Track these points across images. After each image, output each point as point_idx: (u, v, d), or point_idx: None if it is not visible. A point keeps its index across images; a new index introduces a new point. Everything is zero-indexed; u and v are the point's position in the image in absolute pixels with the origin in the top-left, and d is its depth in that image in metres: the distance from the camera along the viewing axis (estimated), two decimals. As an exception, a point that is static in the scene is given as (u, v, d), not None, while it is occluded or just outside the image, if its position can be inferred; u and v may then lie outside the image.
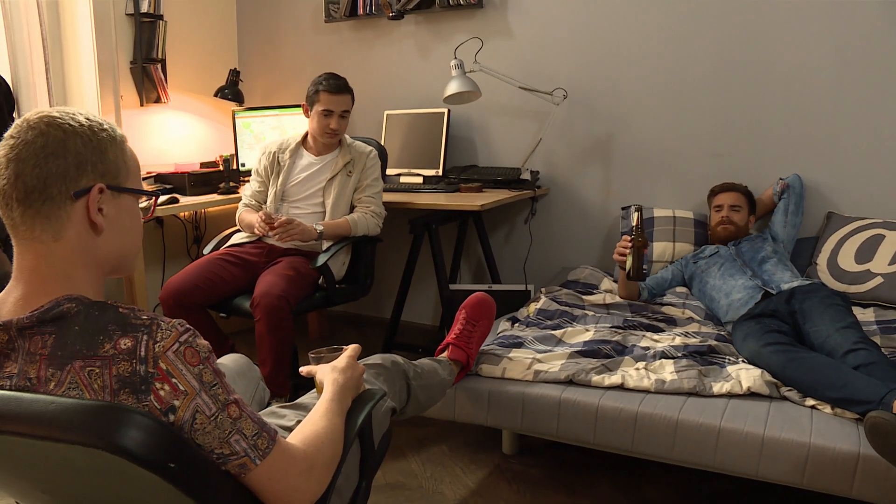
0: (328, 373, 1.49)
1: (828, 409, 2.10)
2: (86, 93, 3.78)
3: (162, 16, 3.98)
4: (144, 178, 3.71)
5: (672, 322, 2.83)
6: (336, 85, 3.04)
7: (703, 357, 2.43)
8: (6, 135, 1.10)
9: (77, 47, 3.77)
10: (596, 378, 2.29)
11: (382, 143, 3.90)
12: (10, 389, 1.03)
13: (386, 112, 3.99)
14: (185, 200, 3.48)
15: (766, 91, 3.28)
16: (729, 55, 3.33)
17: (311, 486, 1.23)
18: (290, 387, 2.87)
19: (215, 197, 3.57)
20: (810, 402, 2.15)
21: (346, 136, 3.22)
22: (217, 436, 1.09)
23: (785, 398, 2.20)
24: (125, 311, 1.07)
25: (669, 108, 3.48)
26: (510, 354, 2.48)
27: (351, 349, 1.56)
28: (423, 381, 2.07)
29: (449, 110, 3.78)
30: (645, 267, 3.14)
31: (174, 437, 1.02)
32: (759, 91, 3.29)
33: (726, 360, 2.42)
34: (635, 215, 2.78)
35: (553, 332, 2.66)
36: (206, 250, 3.14)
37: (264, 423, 1.17)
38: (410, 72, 4.06)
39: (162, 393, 1.03)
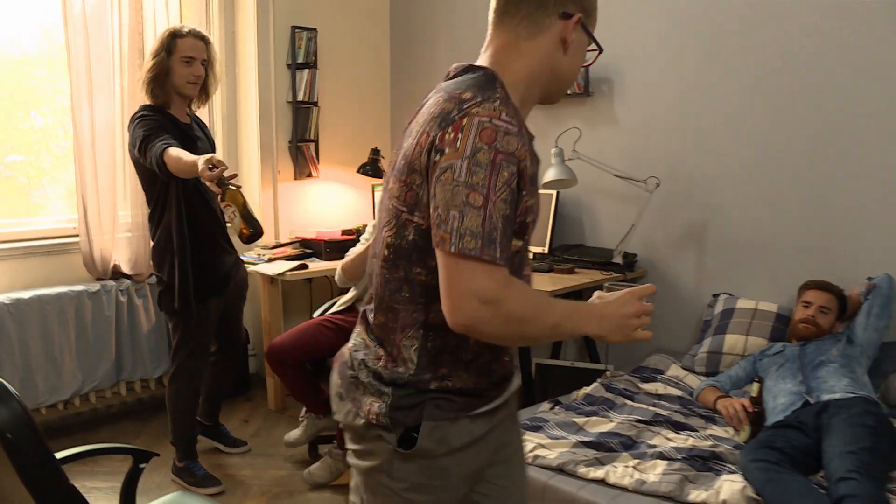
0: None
1: (795, 532, 2.14)
2: (252, 167, 4.51)
3: (316, 102, 4.63)
4: (290, 243, 4.36)
5: (712, 421, 2.90)
6: None
7: (705, 462, 2.51)
8: None
9: (247, 129, 4.52)
10: (582, 470, 2.47)
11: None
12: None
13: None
14: (319, 265, 4.07)
15: (860, 187, 3.21)
16: (821, 149, 3.30)
17: (482, 317, 1.21)
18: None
19: (345, 262, 4.11)
20: (781, 523, 2.19)
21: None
22: (448, 199, 1.21)
23: (761, 515, 2.25)
24: (501, 86, 1.33)
25: (761, 201, 3.50)
26: (522, 438, 2.72)
27: (640, 288, 1.41)
28: None
29: (557, 192, 4.04)
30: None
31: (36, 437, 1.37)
32: (852, 187, 3.23)
33: (726, 469, 2.47)
34: (756, 386, 2.78)
35: (578, 419, 2.85)
36: (316, 314, 3.67)
37: (497, 239, 1.21)
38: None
39: (446, 136, 1.23)
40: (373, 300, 1.46)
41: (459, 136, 1.21)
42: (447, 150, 1.22)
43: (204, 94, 3.24)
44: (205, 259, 3.18)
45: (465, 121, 1.22)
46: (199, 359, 3.28)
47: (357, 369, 1.45)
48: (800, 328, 3.12)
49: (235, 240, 3.55)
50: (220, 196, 2.79)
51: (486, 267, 1.20)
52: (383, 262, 1.39)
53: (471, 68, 1.38)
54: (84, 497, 1.37)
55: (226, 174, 2.73)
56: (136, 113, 3.09)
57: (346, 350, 1.55)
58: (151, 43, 3.22)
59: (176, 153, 2.85)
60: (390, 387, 1.38)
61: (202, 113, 3.97)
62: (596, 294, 1.41)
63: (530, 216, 1.34)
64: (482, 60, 1.42)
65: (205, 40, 3.16)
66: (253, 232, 2.84)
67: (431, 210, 1.25)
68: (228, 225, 2.96)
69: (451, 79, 1.40)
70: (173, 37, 3.09)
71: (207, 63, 3.17)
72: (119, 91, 3.91)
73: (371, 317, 1.46)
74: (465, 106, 1.24)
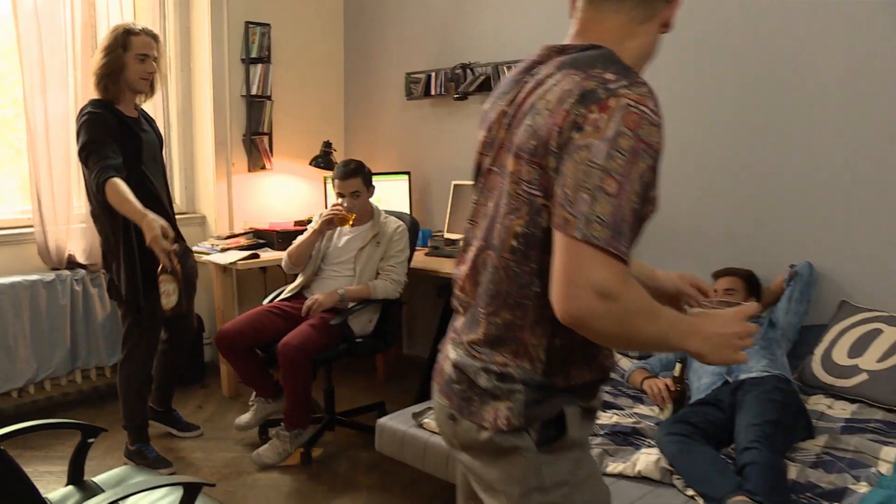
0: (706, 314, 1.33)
1: (702, 500, 2.29)
2: (206, 159, 4.60)
3: (269, 96, 4.73)
4: (244, 233, 4.46)
5: (639, 400, 3.05)
6: (342, 172, 3.55)
7: (626, 437, 2.66)
8: None
9: (201, 123, 4.61)
10: (510, 447, 2.61)
11: (450, 211, 4.37)
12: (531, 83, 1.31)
13: (453, 182, 4.45)
14: (271, 255, 4.18)
15: (783, 177, 3.38)
16: (748, 141, 3.46)
17: (596, 310, 1.11)
18: (309, 423, 3.44)
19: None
20: (690, 492, 2.33)
21: (382, 212, 3.72)
22: (579, 179, 1.13)
23: (673, 486, 2.39)
24: (633, 71, 1.23)
25: (691, 191, 3.66)
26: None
27: (747, 307, 1.31)
28: None
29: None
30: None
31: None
32: (775, 177, 3.39)
33: (645, 444, 2.63)
34: (678, 367, 2.89)
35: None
36: (265, 301, 3.78)
37: (625, 232, 1.12)
38: (474, 147, 4.48)
39: (590, 116, 1.15)
40: (474, 299, 1.38)
41: (603, 116, 1.14)
42: (587, 129, 1.14)
43: (150, 88, 3.34)
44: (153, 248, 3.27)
45: (611, 101, 1.15)
46: (148, 345, 3.37)
47: (474, 376, 1.34)
48: None
49: (185, 230, 3.65)
50: (164, 268, 2.99)
51: (609, 259, 1.11)
52: (511, 253, 1.29)
53: (590, 46, 1.29)
54: (12, 457, 1.47)
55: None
56: (83, 108, 3.16)
57: (445, 367, 1.44)
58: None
59: (122, 190, 2.99)
60: (521, 384, 1.30)
61: (156, 105, 4.06)
62: (692, 311, 1.37)
63: (650, 208, 1.24)
64: (591, 39, 1.32)
65: (156, 38, 3.29)
66: (177, 311, 3.11)
67: (557, 187, 1.17)
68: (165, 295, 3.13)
69: (558, 54, 1.32)
70: (128, 34, 3.19)
71: (156, 59, 3.28)
72: (73, 83, 3.97)
73: (480, 322, 1.36)
74: (612, 86, 1.16)
